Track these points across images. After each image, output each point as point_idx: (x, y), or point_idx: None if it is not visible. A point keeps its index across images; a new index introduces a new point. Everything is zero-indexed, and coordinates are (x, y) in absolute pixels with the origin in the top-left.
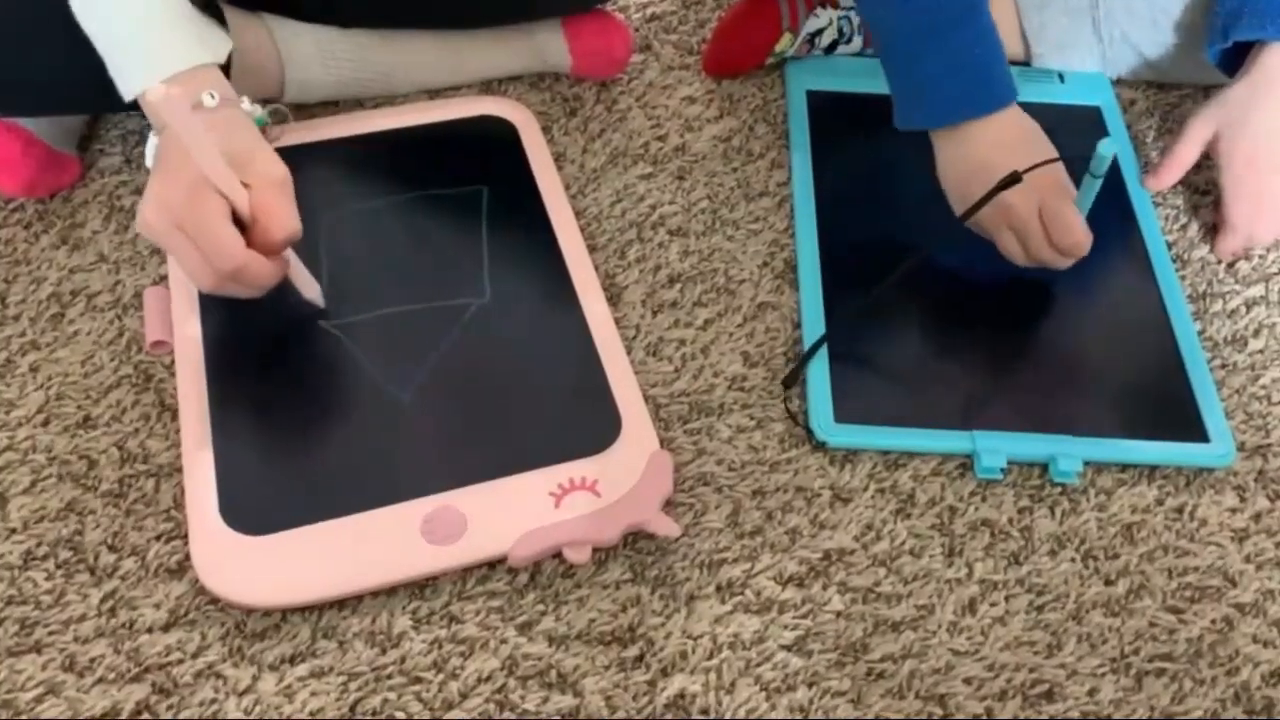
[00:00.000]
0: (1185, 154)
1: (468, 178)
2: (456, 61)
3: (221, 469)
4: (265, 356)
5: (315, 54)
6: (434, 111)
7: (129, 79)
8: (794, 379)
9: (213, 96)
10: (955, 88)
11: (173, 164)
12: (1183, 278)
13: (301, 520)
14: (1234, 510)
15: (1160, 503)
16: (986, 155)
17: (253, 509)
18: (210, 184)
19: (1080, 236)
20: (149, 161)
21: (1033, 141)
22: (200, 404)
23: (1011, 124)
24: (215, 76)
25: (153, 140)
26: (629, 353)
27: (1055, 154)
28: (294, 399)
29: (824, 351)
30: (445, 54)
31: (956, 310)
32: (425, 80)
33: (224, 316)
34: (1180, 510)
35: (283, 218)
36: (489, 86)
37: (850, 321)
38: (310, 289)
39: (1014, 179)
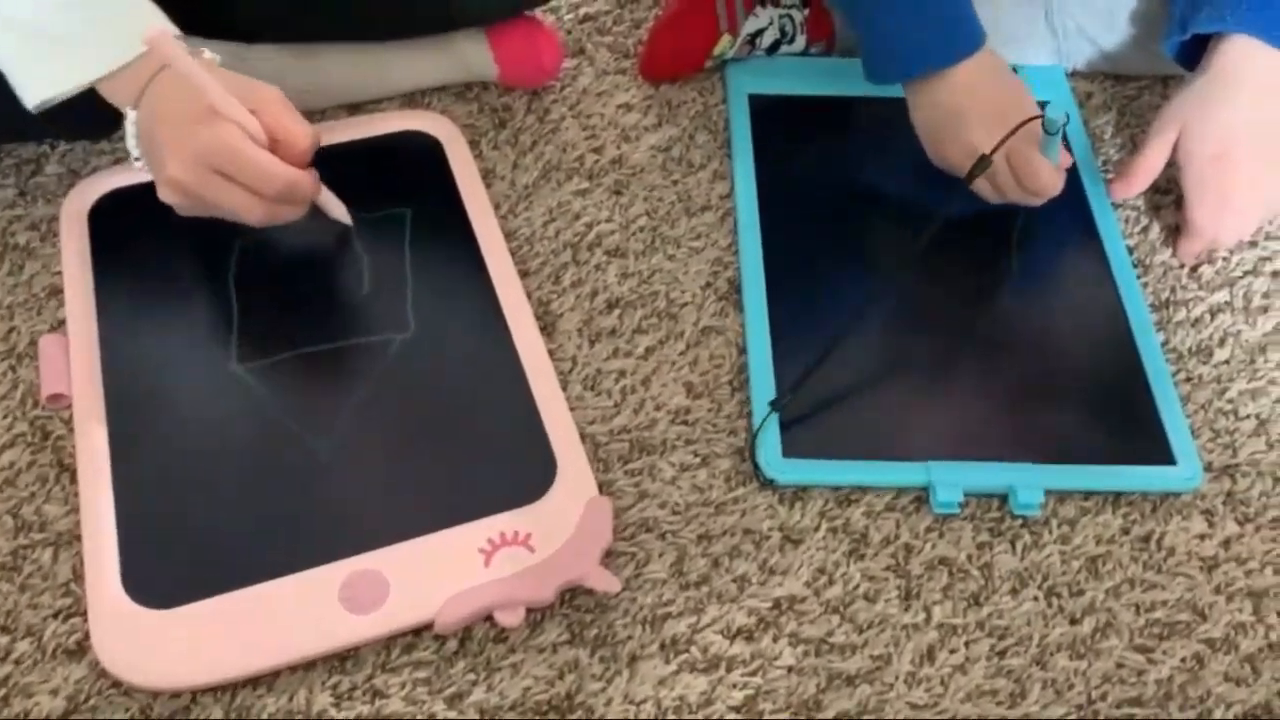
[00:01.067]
0: (1153, 158)
1: (389, 200)
2: (375, 75)
3: (124, 536)
4: (172, 408)
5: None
6: (351, 129)
7: (108, 45)
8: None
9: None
10: (923, 37)
11: (176, 108)
12: (1144, 284)
13: (211, 590)
14: (1202, 537)
15: (1126, 531)
16: (958, 102)
17: (158, 579)
18: (219, 116)
19: (1047, 179)
20: (131, 143)
21: (1003, 86)
22: (102, 464)
23: (982, 69)
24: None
25: (131, 115)
26: (565, 387)
27: (1027, 101)
28: (202, 454)
29: (770, 383)
30: (361, 67)
31: (908, 332)
32: (342, 96)
33: (128, 365)
34: (1147, 539)
35: (297, 126)
36: (412, 98)
37: (798, 350)
38: (337, 208)
39: (984, 163)
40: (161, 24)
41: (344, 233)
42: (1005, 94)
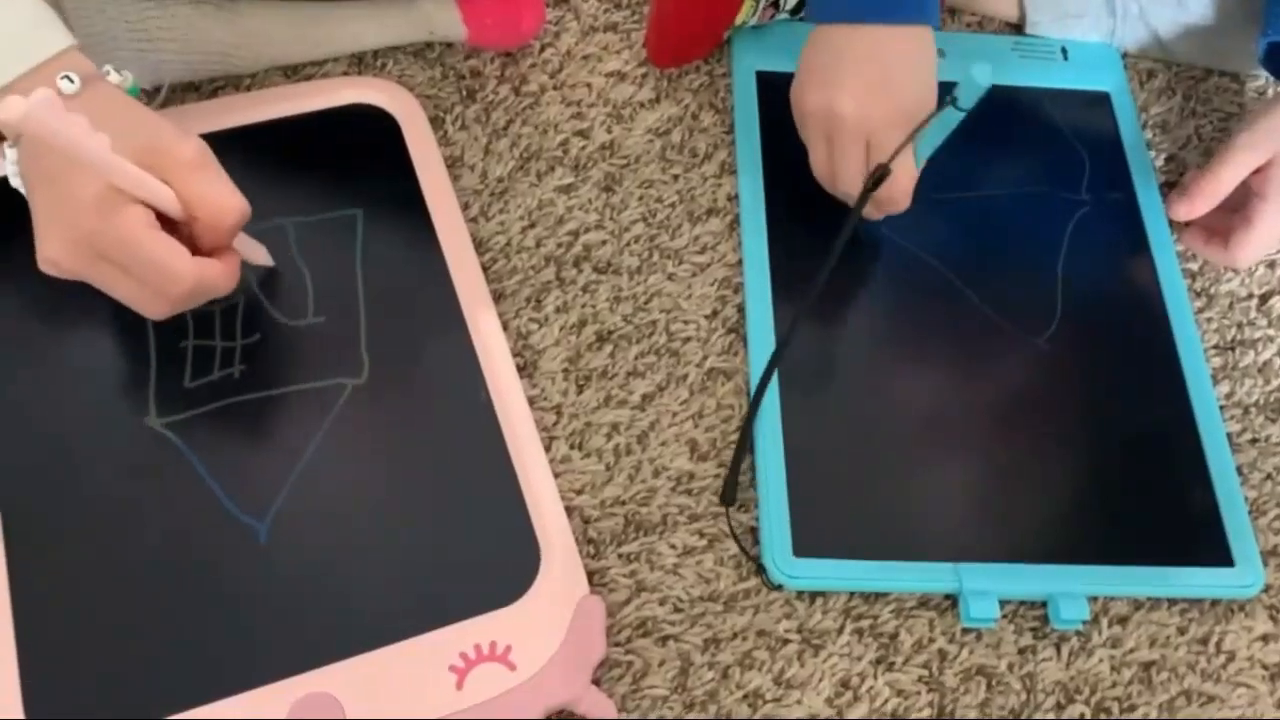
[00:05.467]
0: (1228, 178)
1: (336, 197)
2: (316, 34)
3: (25, 648)
4: (77, 474)
5: (123, 33)
6: (287, 101)
7: None
8: (731, 495)
9: (72, 80)
10: None
11: (62, 181)
12: (1208, 320)
13: (128, 717)
14: (1265, 639)
15: (1182, 632)
16: (859, 60)
17: (66, 705)
18: (120, 192)
19: (900, 198)
20: (15, 180)
21: (917, 75)
22: None
23: (912, 48)
24: (71, 55)
25: (11, 153)
26: (548, 448)
27: (929, 100)
28: (116, 539)
29: (779, 465)
30: (300, 25)
31: (934, 404)
32: (275, 56)
33: (20, 415)
34: (1205, 641)
35: (224, 200)
36: (361, 60)
37: (814, 416)
38: (258, 254)
39: (883, 173)
40: (45, 54)
41: (281, 243)
42: (911, 82)
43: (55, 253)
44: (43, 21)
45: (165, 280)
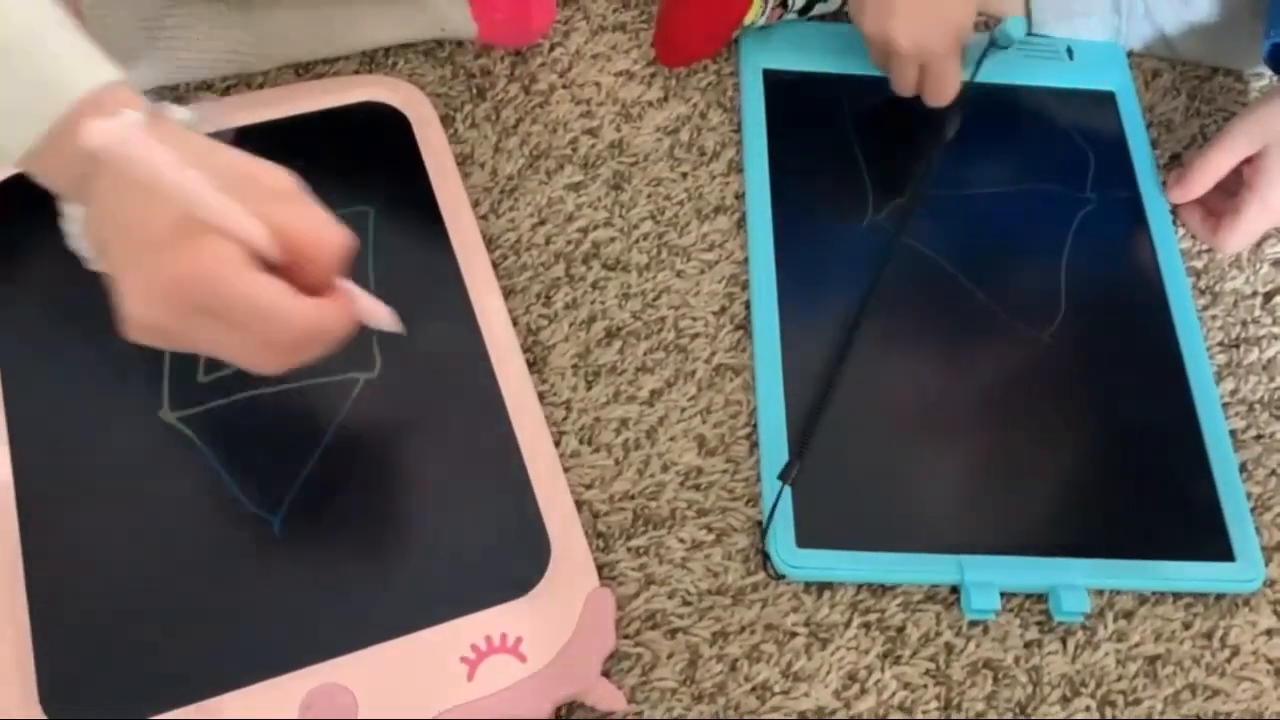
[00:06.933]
0: (1220, 162)
1: (347, 194)
2: (329, 31)
3: (41, 641)
4: (92, 467)
5: (139, 31)
6: (298, 99)
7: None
8: (789, 473)
9: (134, 115)
10: None
11: (133, 223)
12: (1213, 317)
13: (147, 708)
14: (1269, 633)
15: (1187, 626)
16: None
17: (82, 695)
18: (205, 231)
19: (949, 95)
20: (78, 242)
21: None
22: (12, 555)
23: None
24: (126, 91)
25: (73, 210)
26: (558, 443)
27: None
28: (132, 531)
29: (783, 459)
30: (313, 23)
31: (938, 398)
32: (287, 55)
33: (35, 410)
34: (1209, 636)
35: (324, 233)
36: (372, 58)
37: (818, 408)
38: (379, 313)
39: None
40: (100, 86)
41: None
42: (959, 5)
43: (138, 308)
44: (94, 51)
45: (270, 325)
